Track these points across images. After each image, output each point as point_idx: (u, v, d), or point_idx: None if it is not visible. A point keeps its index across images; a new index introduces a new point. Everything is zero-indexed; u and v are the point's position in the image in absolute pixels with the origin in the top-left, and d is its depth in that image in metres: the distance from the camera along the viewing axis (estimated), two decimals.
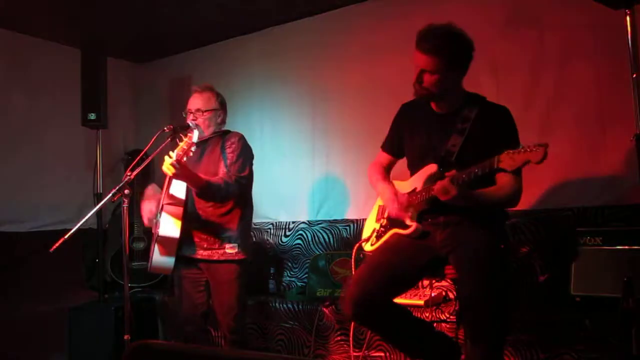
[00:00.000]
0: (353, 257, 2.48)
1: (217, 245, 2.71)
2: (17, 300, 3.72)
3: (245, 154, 2.79)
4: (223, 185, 2.60)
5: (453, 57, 2.12)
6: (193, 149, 2.33)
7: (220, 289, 2.73)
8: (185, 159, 2.35)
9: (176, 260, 2.67)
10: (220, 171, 2.70)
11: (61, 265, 3.70)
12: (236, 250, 2.71)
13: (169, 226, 2.59)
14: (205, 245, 2.72)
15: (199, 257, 2.72)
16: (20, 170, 4.01)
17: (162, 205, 2.62)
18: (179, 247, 2.64)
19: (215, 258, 2.71)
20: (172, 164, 2.33)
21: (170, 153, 2.35)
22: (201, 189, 2.55)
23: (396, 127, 2.46)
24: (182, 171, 2.40)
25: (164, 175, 2.70)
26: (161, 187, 2.86)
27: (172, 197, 2.60)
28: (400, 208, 2.24)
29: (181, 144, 2.34)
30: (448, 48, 2.10)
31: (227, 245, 2.71)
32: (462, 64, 2.17)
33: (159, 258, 2.63)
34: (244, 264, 2.76)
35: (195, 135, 2.31)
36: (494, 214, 2.20)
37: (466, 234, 2.11)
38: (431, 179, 2.16)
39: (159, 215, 2.67)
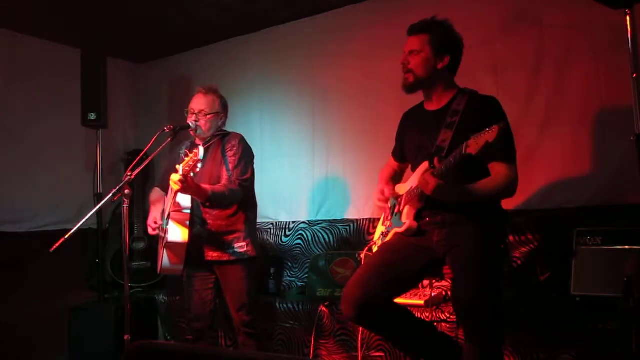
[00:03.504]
0: (363, 260, 2.48)
1: (226, 246, 2.75)
2: (18, 300, 3.73)
3: (247, 156, 2.82)
4: (227, 193, 2.64)
5: (438, 38, 2.20)
6: (200, 165, 2.33)
7: (232, 287, 2.78)
8: (192, 174, 2.36)
9: (186, 261, 2.70)
10: (224, 176, 2.74)
11: (61, 265, 3.71)
12: (245, 248, 2.77)
13: (177, 232, 2.63)
14: (214, 247, 2.75)
15: (209, 258, 2.76)
16: (20, 170, 4.00)
17: (169, 213, 2.64)
18: (188, 250, 2.67)
19: (225, 259, 2.75)
20: (180, 180, 2.35)
21: (178, 167, 2.36)
22: (207, 200, 2.58)
23: (398, 135, 2.51)
24: (189, 186, 2.43)
25: (168, 182, 2.72)
26: (166, 191, 2.88)
27: (178, 204, 2.64)
28: (380, 200, 2.36)
29: (187, 159, 2.34)
30: (434, 29, 2.22)
31: (236, 245, 2.76)
32: (448, 51, 2.21)
33: (169, 263, 2.67)
34: (253, 262, 2.81)
35: (201, 152, 2.30)
36: (494, 213, 2.20)
37: (463, 235, 2.11)
38: None
39: (165, 222, 2.69)
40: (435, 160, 2.04)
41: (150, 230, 2.82)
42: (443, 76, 2.24)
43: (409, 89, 2.27)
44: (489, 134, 1.81)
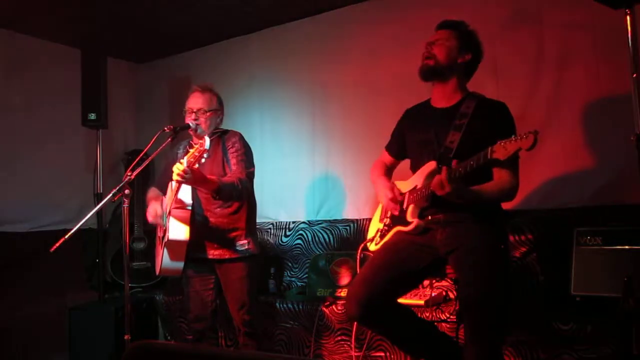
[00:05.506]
0: (358, 258, 2.48)
1: (228, 244, 2.74)
2: (18, 300, 3.72)
3: (249, 151, 2.84)
4: (237, 182, 2.62)
5: (465, 35, 2.26)
6: (205, 155, 2.28)
7: (233, 286, 2.77)
8: (197, 165, 2.32)
9: (186, 261, 2.68)
10: (228, 171, 2.73)
11: (61, 265, 3.70)
12: (247, 246, 2.76)
13: (178, 230, 2.59)
14: (216, 246, 2.75)
15: (210, 256, 2.75)
16: (21, 170, 4.00)
17: (170, 210, 2.62)
18: (189, 249, 2.65)
19: (227, 257, 2.74)
20: (183, 171, 2.30)
21: (181, 160, 2.33)
22: (216, 191, 2.54)
23: (399, 129, 2.50)
24: (195, 177, 2.38)
25: (165, 183, 2.70)
26: (164, 191, 2.86)
27: (179, 201, 2.60)
28: (393, 200, 2.29)
29: (192, 150, 2.30)
30: (462, 28, 2.27)
31: (237, 243, 2.75)
32: (470, 49, 2.25)
33: (169, 262, 2.64)
34: (254, 260, 2.80)
35: (207, 142, 2.24)
36: (495, 213, 2.20)
37: (466, 234, 2.11)
38: (431, 176, 2.15)
39: (165, 219, 2.67)
40: (454, 162, 2.02)
41: (149, 218, 2.77)
42: (459, 73, 2.26)
43: (427, 73, 2.27)
44: (524, 142, 1.78)
